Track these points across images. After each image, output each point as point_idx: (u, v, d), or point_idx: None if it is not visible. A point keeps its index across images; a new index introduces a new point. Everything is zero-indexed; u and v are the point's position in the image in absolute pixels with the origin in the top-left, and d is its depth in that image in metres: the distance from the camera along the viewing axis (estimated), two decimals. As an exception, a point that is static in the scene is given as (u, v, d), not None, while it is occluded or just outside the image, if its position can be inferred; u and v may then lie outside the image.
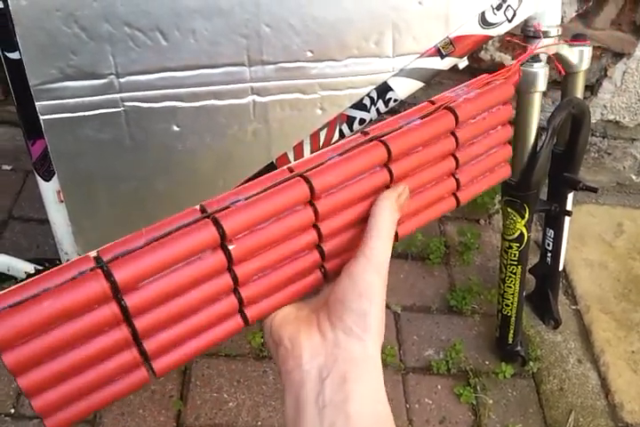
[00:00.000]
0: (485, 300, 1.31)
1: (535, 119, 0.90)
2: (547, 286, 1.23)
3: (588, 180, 1.58)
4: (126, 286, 0.35)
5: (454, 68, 0.82)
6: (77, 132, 0.73)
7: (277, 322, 0.42)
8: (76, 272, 0.34)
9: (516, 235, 1.01)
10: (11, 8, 0.64)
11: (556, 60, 0.84)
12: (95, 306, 0.34)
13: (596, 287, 1.37)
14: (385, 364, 1.16)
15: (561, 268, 1.20)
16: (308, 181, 0.40)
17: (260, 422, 1.06)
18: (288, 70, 0.76)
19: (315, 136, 0.82)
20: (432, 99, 0.49)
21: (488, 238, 1.46)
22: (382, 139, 0.44)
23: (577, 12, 1.27)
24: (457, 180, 0.50)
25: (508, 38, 0.84)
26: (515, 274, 1.07)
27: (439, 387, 1.15)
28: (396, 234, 0.47)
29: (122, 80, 0.71)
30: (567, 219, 1.12)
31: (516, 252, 1.04)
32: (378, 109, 0.82)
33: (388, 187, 0.45)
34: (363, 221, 0.44)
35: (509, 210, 0.99)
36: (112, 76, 0.71)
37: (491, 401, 1.14)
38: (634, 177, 1.63)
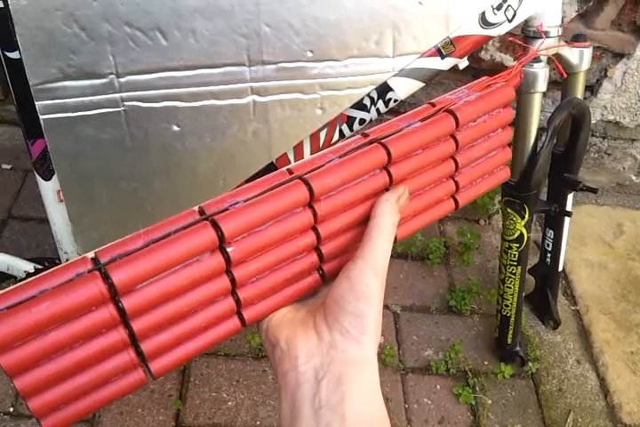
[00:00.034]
0: (485, 300, 1.31)
1: (535, 120, 0.90)
2: (546, 287, 1.23)
3: (588, 180, 1.59)
4: (124, 288, 0.35)
5: (454, 68, 0.82)
6: (77, 131, 0.73)
7: (274, 323, 0.42)
8: (74, 274, 0.34)
9: (516, 235, 1.01)
10: (11, 7, 0.64)
11: (556, 61, 0.84)
12: (93, 308, 0.34)
13: (596, 288, 1.37)
14: (384, 364, 1.16)
15: (560, 268, 1.20)
16: (307, 183, 0.40)
17: (258, 422, 1.06)
18: (288, 70, 0.76)
19: (315, 136, 0.82)
20: (432, 101, 0.49)
21: (488, 239, 1.46)
22: (382, 141, 0.44)
23: (577, 12, 1.26)
24: (456, 182, 0.50)
25: (511, 38, 0.84)
26: (514, 274, 1.07)
27: (438, 387, 1.15)
28: (395, 236, 0.47)
29: (122, 80, 0.71)
30: (567, 219, 1.12)
31: (516, 252, 1.03)
32: (378, 109, 0.82)
33: (387, 189, 0.45)
34: (362, 223, 0.44)
35: (509, 210, 0.99)
36: (112, 76, 0.71)
37: (490, 401, 1.14)
38: (634, 178, 1.63)
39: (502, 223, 1.03)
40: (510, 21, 0.81)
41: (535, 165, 0.91)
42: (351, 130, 0.83)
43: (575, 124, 0.96)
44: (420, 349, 1.21)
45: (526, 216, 0.98)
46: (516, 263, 1.05)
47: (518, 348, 1.17)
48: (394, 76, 0.80)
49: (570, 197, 1.08)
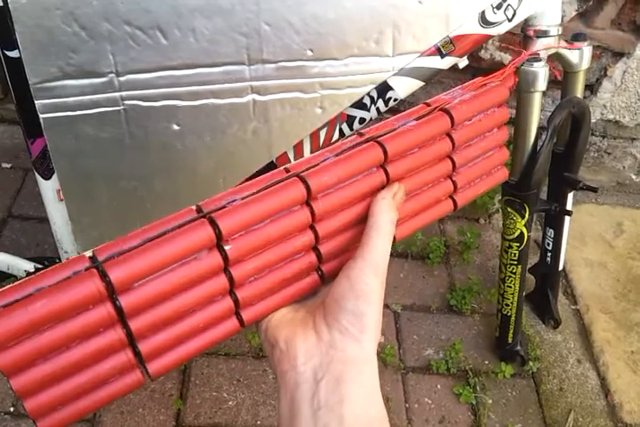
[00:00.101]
0: (485, 299, 1.31)
1: (535, 119, 0.90)
2: (546, 286, 1.23)
3: (588, 179, 1.58)
4: (121, 286, 0.35)
5: (454, 68, 0.82)
6: (77, 130, 0.73)
7: (273, 324, 0.42)
8: (71, 272, 0.34)
9: (516, 234, 1.01)
10: (10, 6, 0.64)
11: (550, 65, 0.84)
12: (90, 306, 0.34)
13: (596, 287, 1.37)
14: (384, 363, 1.16)
15: (561, 267, 1.20)
16: (304, 181, 0.40)
17: (259, 422, 1.06)
18: (288, 69, 0.76)
19: (315, 135, 0.82)
20: (427, 101, 0.49)
21: (488, 238, 1.46)
22: (378, 139, 0.44)
23: (577, 11, 1.26)
24: (454, 182, 0.50)
25: (504, 45, 0.84)
26: (514, 274, 1.07)
27: (439, 387, 1.15)
28: (394, 236, 0.47)
29: (122, 79, 0.71)
30: (567, 218, 1.12)
31: (516, 251, 1.03)
32: (378, 109, 0.82)
33: (384, 188, 0.45)
34: (360, 223, 0.44)
35: (509, 209, 0.99)
36: (112, 75, 0.71)
37: (490, 401, 1.14)
38: (634, 177, 1.63)
39: (502, 222, 1.03)
40: (510, 21, 0.81)
41: (535, 164, 0.91)
42: (351, 129, 0.83)
43: (575, 123, 0.96)
44: (421, 348, 1.21)
45: (526, 215, 0.98)
46: (516, 262, 1.05)
47: (519, 347, 1.17)
48: (394, 75, 0.80)
49: (570, 196, 1.08)
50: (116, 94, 0.72)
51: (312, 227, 0.42)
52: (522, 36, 0.86)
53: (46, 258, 0.97)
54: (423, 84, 0.82)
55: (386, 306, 1.27)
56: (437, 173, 0.48)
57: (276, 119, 0.79)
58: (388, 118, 0.47)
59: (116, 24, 0.68)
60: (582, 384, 1.19)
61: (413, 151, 0.45)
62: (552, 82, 0.85)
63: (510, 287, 1.09)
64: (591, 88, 1.42)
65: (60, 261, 0.87)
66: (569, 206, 1.09)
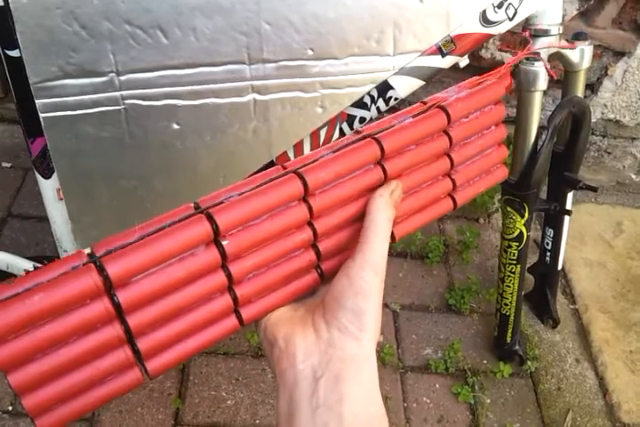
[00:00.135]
0: (484, 299, 1.31)
1: (536, 118, 0.90)
2: (545, 286, 1.23)
3: (588, 179, 1.58)
4: (119, 281, 0.35)
5: (455, 67, 0.82)
6: (77, 129, 0.73)
7: (272, 322, 0.42)
8: (69, 267, 0.34)
9: (516, 234, 1.01)
10: (11, 5, 0.64)
11: (546, 66, 0.84)
12: (87, 301, 0.34)
13: (595, 287, 1.37)
14: (383, 363, 1.16)
15: (560, 267, 1.20)
16: (301, 177, 0.40)
17: (258, 421, 1.06)
18: (288, 68, 0.76)
19: (315, 135, 0.82)
20: (424, 100, 0.49)
21: (487, 237, 1.46)
22: (375, 136, 0.44)
23: (578, 11, 1.26)
24: (453, 180, 0.50)
25: (501, 48, 0.84)
26: (514, 273, 1.07)
27: (437, 386, 1.15)
28: (394, 235, 0.47)
29: (122, 78, 0.71)
30: (567, 218, 1.12)
31: (516, 251, 1.03)
32: (378, 108, 0.82)
33: (382, 186, 0.45)
34: (358, 220, 0.44)
35: (509, 209, 0.99)
36: (112, 74, 0.71)
37: (488, 400, 1.14)
38: (633, 176, 1.63)
39: (502, 222, 1.03)
40: (511, 20, 0.81)
41: (535, 163, 0.91)
42: (351, 128, 0.83)
43: (575, 122, 0.96)
44: (420, 347, 1.21)
45: (526, 215, 0.98)
46: (515, 262, 1.05)
47: (517, 347, 1.17)
48: (394, 74, 0.80)
49: (570, 195, 1.08)
50: (117, 93, 0.72)
51: (310, 224, 0.42)
52: (522, 36, 0.86)
53: (46, 257, 0.97)
54: (424, 83, 0.82)
55: (385, 305, 1.27)
56: (435, 170, 0.48)
57: (277, 118, 0.79)
58: (385, 117, 0.47)
59: (116, 23, 0.68)
60: (580, 384, 1.19)
61: (410, 148, 0.46)
62: (553, 81, 0.85)
63: (509, 287, 1.09)
64: (592, 87, 1.42)
65: (60, 259, 0.87)
66: (568, 206, 1.09)
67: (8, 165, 1.48)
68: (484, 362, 1.20)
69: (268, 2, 0.71)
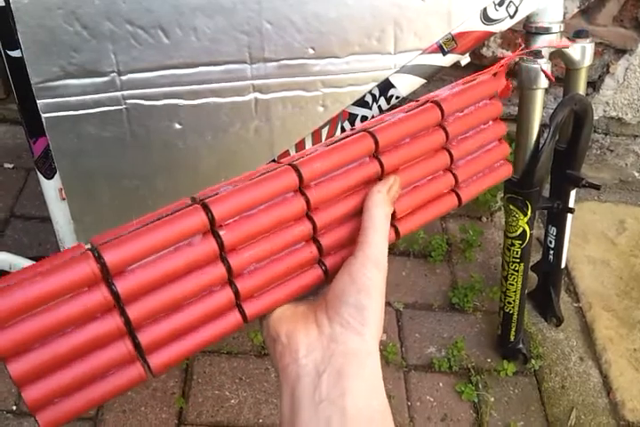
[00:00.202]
0: (487, 297, 1.31)
1: (537, 116, 0.90)
2: (549, 284, 1.23)
3: (590, 177, 1.58)
4: (116, 269, 0.35)
5: (456, 65, 0.82)
6: (79, 129, 0.73)
7: (274, 318, 0.42)
8: (68, 257, 0.35)
9: (519, 232, 1.01)
10: (12, 6, 0.64)
11: (544, 71, 0.84)
12: (85, 288, 0.34)
13: (599, 285, 1.36)
14: (387, 361, 1.16)
15: (563, 265, 1.20)
16: (296, 169, 0.41)
17: (261, 420, 1.06)
18: (290, 67, 0.76)
19: (316, 133, 0.82)
20: (418, 98, 0.50)
21: (490, 236, 1.46)
22: (369, 130, 0.45)
23: (579, 8, 1.26)
24: (454, 175, 0.50)
25: (500, 56, 0.83)
26: (517, 271, 1.06)
27: (441, 384, 1.15)
28: (398, 231, 0.47)
29: (123, 78, 0.71)
30: (569, 216, 1.12)
31: (519, 249, 1.03)
32: (380, 106, 0.82)
33: (380, 179, 0.45)
34: (359, 215, 0.44)
35: (512, 207, 0.99)
36: (114, 74, 0.71)
37: (492, 399, 1.14)
38: (636, 174, 1.63)
39: (505, 220, 1.03)
40: (512, 17, 0.81)
41: (538, 161, 0.91)
42: (353, 127, 0.83)
43: (577, 120, 0.96)
44: (423, 346, 1.21)
45: (529, 213, 0.98)
46: (518, 260, 1.05)
47: (521, 345, 1.17)
48: (396, 72, 0.79)
49: (572, 193, 1.08)
50: (118, 93, 0.72)
51: (309, 217, 0.42)
52: (523, 33, 0.86)
53: (49, 257, 0.97)
54: (425, 81, 0.82)
55: (388, 304, 1.27)
56: (435, 165, 0.49)
57: (278, 118, 0.79)
58: (381, 115, 0.48)
59: (117, 23, 0.68)
60: (584, 382, 1.19)
61: (406, 142, 0.46)
62: (554, 79, 0.85)
63: (513, 285, 1.09)
64: (593, 85, 1.42)
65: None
66: (571, 204, 1.09)
67: (10, 165, 1.48)
68: (488, 360, 1.20)
69: (270, 1, 0.71)
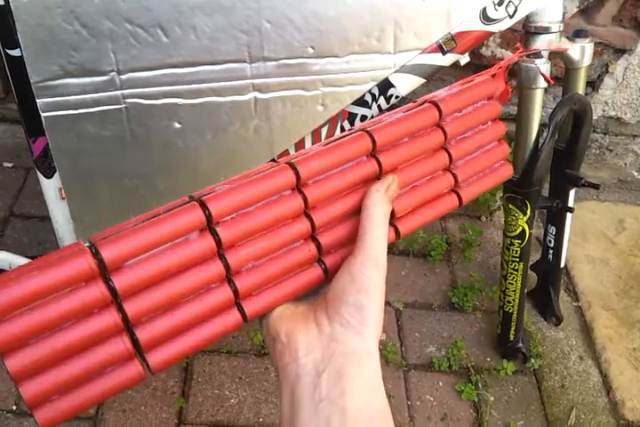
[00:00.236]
0: (487, 297, 1.31)
1: (537, 116, 0.90)
2: (548, 283, 1.23)
3: (590, 176, 1.58)
4: (113, 264, 0.35)
5: (456, 65, 0.82)
6: (79, 129, 0.73)
7: (274, 318, 0.42)
8: (66, 253, 0.35)
9: (518, 231, 1.01)
10: (12, 5, 0.64)
11: (543, 74, 0.84)
12: (82, 283, 0.34)
13: (598, 284, 1.36)
14: (386, 361, 1.16)
15: (562, 264, 1.20)
16: (293, 167, 0.41)
17: (261, 419, 1.06)
18: (289, 67, 0.76)
19: (316, 133, 0.82)
20: (416, 100, 0.50)
21: (489, 235, 1.46)
22: (366, 129, 0.45)
23: (578, 8, 1.26)
24: (454, 175, 0.50)
25: (499, 57, 0.83)
26: (516, 271, 1.07)
27: (440, 384, 1.15)
28: (398, 231, 0.47)
29: (123, 77, 0.71)
30: (569, 215, 1.12)
31: (518, 248, 1.03)
32: (379, 106, 0.82)
33: (378, 179, 0.45)
34: (359, 215, 0.44)
35: (511, 207, 0.99)
36: (113, 73, 0.71)
37: (492, 398, 1.14)
38: (635, 173, 1.63)
39: (504, 219, 1.03)
40: (511, 17, 0.81)
41: (537, 161, 0.91)
42: (352, 126, 0.83)
43: (577, 119, 0.96)
44: (423, 345, 1.21)
45: (528, 212, 0.98)
46: (518, 260, 1.05)
47: (521, 344, 1.17)
48: (395, 72, 0.80)
49: (572, 193, 1.08)
50: (118, 92, 0.72)
51: (307, 215, 0.43)
52: (523, 33, 0.86)
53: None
54: (424, 81, 0.82)
55: (388, 304, 1.27)
56: (434, 165, 0.49)
57: (278, 117, 0.79)
58: (379, 115, 0.48)
59: (117, 22, 0.68)
60: (584, 381, 1.19)
61: (404, 141, 0.46)
62: (553, 78, 0.85)
63: (512, 284, 1.09)
64: (592, 85, 1.42)
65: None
66: (570, 203, 1.09)
67: (10, 164, 1.48)
68: (488, 360, 1.20)
69: (269, 0, 0.71)
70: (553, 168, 1.05)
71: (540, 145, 0.92)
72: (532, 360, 1.19)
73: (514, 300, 1.10)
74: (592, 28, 1.29)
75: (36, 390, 0.34)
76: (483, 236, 1.45)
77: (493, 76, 0.53)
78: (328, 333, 0.39)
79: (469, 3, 0.78)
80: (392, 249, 1.35)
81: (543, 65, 0.84)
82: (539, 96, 0.88)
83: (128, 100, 0.73)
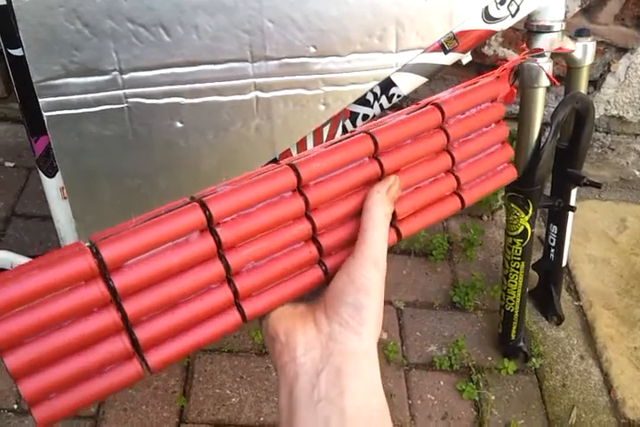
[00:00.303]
0: (488, 296, 1.31)
1: (539, 115, 0.90)
2: (550, 282, 1.23)
3: (592, 175, 1.58)
4: (113, 264, 0.35)
5: (458, 64, 0.82)
6: (81, 128, 0.73)
7: (273, 317, 0.43)
8: (66, 252, 0.35)
9: (520, 231, 1.01)
10: (13, 4, 0.64)
11: (547, 74, 0.83)
12: (82, 282, 0.35)
13: (599, 283, 1.36)
14: (388, 360, 1.16)
15: (564, 264, 1.20)
16: (295, 169, 0.41)
17: (262, 418, 1.06)
18: (291, 66, 0.76)
19: (318, 132, 0.82)
20: (419, 101, 0.50)
21: (491, 234, 1.46)
22: (369, 131, 0.45)
23: (580, 7, 1.26)
24: (457, 177, 0.50)
25: (501, 57, 0.83)
26: (518, 270, 1.06)
27: (442, 383, 1.15)
28: (400, 232, 0.47)
29: (125, 76, 0.71)
30: (571, 215, 1.12)
31: (520, 248, 1.03)
32: (381, 105, 0.82)
33: (380, 180, 0.45)
34: (360, 217, 0.44)
35: (513, 206, 0.99)
36: (115, 73, 0.71)
37: (493, 397, 1.14)
38: (637, 173, 1.63)
39: (506, 219, 1.03)
40: (513, 16, 0.81)
41: (539, 160, 0.91)
42: (354, 126, 0.83)
43: (579, 118, 0.96)
44: (424, 345, 1.21)
45: (530, 211, 0.98)
46: (519, 259, 1.05)
47: (522, 343, 1.17)
48: (397, 71, 0.79)
49: (573, 192, 1.08)
50: (120, 92, 0.72)
51: (308, 216, 0.43)
52: (525, 32, 0.86)
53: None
54: (426, 80, 0.82)
55: (389, 303, 1.27)
56: (436, 167, 0.49)
57: (279, 116, 0.79)
58: (382, 116, 0.48)
59: (119, 21, 0.68)
60: (585, 380, 1.19)
61: (407, 143, 0.46)
62: (556, 77, 0.85)
63: (514, 284, 1.09)
64: (595, 84, 1.42)
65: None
66: (572, 202, 1.09)
67: (11, 164, 1.48)
68: (489, 359, 1.20)
69: (271, 0, 0.71)
70: (555, 167, 1.05)
71: (542, 144, 0.92)
72: (533, 359, 1.19)
73: (515, 299, 1.10)
74: (594, 26, 1.29)
75: (35, 387, 0.34)
76: (484, 235, 1.44)
77: (498, 77, 0.52)
78: (327, 332, 0.39)
79: (471, 2, 0.78)
80: (393, 248, 1.35)
81: (546, 64, 0.84)
82: (541, 95, 0.88)
83: (130, 100, 0.73)
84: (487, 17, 0.80)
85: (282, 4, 0.71)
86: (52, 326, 0.34)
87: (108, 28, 0.68)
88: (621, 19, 1.29)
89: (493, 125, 0.52)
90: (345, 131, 0.83)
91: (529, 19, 0.83)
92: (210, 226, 0.38)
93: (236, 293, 0.40)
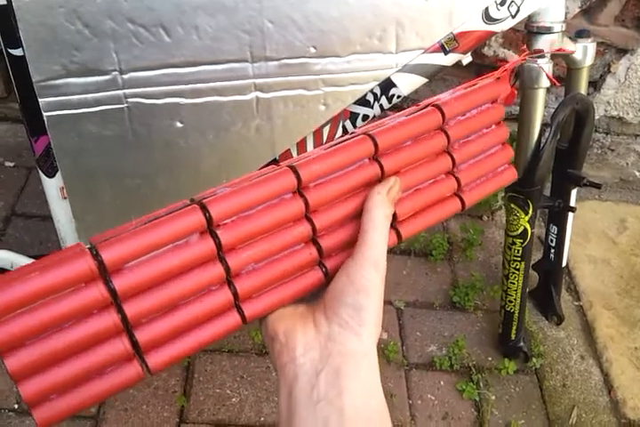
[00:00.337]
0: (488, 296, 1.31)
1: (539, 115, 0.90)
2: (550, 283, 1.23)
3: (591, 176, 1.58)
4: (113, 266, 0.35)
5: (458, 64, 0.82)
6: (81, 128, 0.73)
7: (273, 318, 0.43)
8: (67, 254, 0.35)
9: (520, 231, 1.01)
10: (14, 4, 0.64)
11: (547, 75, 0.83)
12: (82, 284, 0.35)
13: (599, 284, 1.36)
14: (388, 360, 1.16)
15: (564, 264, 1.20)
16: (295, 171, 0.41)
17: (262, 418, 1.06)
18: (291, 66, 0.76)
19: (318, 132, 0.82)
20: (419, 102, 0.50)
21: (491, 235, 1.46)
22: (369, 133, 0.45)
23: (581, 8, 1.26)
24: (457, 179, 0.50)
25: (502, 58, 0.83)
26: (518, 270, 1.07)
27: (442, 383, 1.15)
28: (400, 234, 0.47)
29: (125, 76, 0.71)
30: (571, 215, 1.12)
31: (520, 248, 1.03)
32: (381, 106, 0.82)
33: (381, 182, 0.45)
34: (360, 219, 0.44)
35: (513, 206, 0.99)
36: (115, 73, 0.71)
37: (493, 397, 1.14)
38: (637, 173, 1.63)
39: (506, 219, 1.03)
40: (514, 17, 0.81)
41: (539, 160, 0.91)
42: (354, 126, 0.83)
43: (579, 119, 0.96)
44: (424, 345, 1.21)
45: (530, 212, 0.98)
46: (519, 259, 1.05)
47: (522, 344, 1.17)
48: (397, 71, 0.79)
49: (573, 192, 1.08)
50: (120, 92, 0.72)
51: (309, 218, 0.43)
52: (525, 33, 0.86)
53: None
54: (426, 80, 0.82)
55: (389, 303, 1.27)
56: (437, 168, 0.49)
57: (280, 116, 0.79)
58: (382, 117, 0.48)
59: (119, 22, 0.68)
60: (585, 380, 1.19)
61: (407, 145, 0.46)
62: (556, 78, 0.85)
63: (514, 284, 1.09)
64: (595, 85, 1.42)
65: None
66: (572, 203, 1.09)
67: (11, 164, 1.48)
68: (489, 359, 1.20)
69: (271, 0, 0.71)
70: (555, 168, 1.05)
71: (542, 145, 0.92)
72: (534, 359, 1.19)
73: (515, 299, 1.10)
74: (594, 28, 1.29)
75: (35, 389, 0.35)
76: (484, 235, 1.45)
77: (498, 78, 0.52)
78: (326, 333, 0.39)
79: (471, 2, 0.78)
80: (393, 248, 1.35)
81: (546, 65, 0.84)
82: (541, 96, 0.88)
83: (130, 100, 0.73)
84: (487, 18, 0.80)
85: (282, 5, 0.71)
86: (52, 328, 0.34)
87: (109, 29, 0.68)
88: (621, 20, 1.29)
89: (494, 127, 0.52)
90: (345, 131, 0.83)
91: (529, 20, 0.83)
92: (210, 228, 0.38)
93: (236, 294, 0.40)
